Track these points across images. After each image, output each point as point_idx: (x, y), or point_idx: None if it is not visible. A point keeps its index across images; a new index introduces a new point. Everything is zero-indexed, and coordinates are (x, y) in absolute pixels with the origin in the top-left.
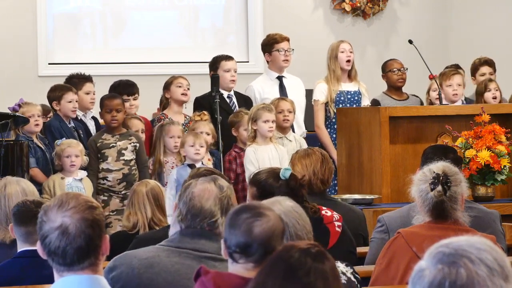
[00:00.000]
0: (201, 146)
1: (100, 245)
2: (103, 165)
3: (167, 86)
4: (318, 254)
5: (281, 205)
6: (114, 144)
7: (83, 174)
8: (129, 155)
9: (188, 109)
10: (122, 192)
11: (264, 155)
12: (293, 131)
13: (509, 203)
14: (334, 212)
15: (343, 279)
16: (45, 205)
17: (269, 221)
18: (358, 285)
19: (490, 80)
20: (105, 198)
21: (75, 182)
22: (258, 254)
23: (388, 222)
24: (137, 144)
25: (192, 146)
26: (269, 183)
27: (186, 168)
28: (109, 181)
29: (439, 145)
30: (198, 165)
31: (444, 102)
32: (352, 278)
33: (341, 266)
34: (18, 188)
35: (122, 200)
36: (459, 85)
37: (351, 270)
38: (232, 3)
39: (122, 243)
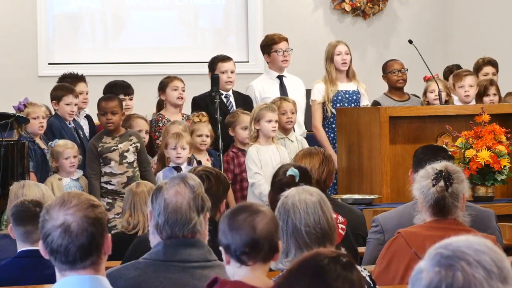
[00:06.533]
0: (183, 149)
1: (103, 244)
2: (106, 169)
3: (162, 88)
4: (347, 264)
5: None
6: (115, 147)
7: (79, 173)
8: (131, 157)
9: (185, 108)
10: None
11: (266, 156)
12: (293, 131)
13: (509, 203)
14: (339, 216)
15: None
16: (47, 204)
17: (266, 216)
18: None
19: (491, 84)
20: (110, 200)
21: (73, 182)
22: (264, 251)
23: (383, 222)
24: (138, 144)
25: (174, 149)
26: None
27: (171, 171)
28: (113, 185)
29: (430, 145)
30: (183, 166)
31: (443, 102)
32: (368, 279)
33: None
34: (37, 191)
35: None
36: (471, 86)
37: (368, 273)
38: (232, 3)
39: (121, 244)
